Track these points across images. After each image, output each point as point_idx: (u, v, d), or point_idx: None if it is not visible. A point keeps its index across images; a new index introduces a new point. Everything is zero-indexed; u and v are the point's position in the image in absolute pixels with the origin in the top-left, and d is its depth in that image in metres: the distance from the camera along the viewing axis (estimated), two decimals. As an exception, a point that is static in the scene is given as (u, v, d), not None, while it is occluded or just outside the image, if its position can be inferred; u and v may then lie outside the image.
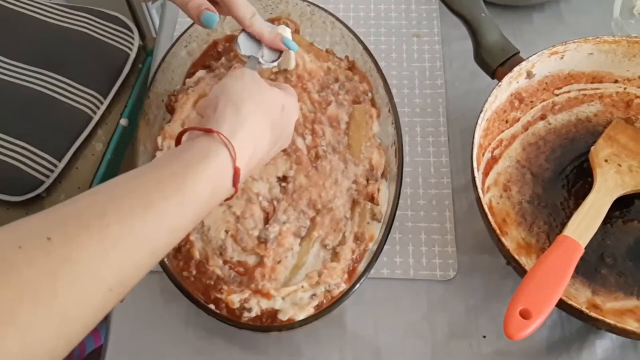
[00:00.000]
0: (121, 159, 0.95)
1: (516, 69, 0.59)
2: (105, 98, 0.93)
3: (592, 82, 0.64)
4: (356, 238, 0.57)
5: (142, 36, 1.03)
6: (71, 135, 0.88)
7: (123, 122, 0.95)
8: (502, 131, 0.62)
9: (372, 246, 0.57)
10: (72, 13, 0.99)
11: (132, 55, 0.98)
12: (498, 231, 0.51)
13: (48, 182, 0.85)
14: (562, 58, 0.61)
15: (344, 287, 0.54)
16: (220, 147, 0.44)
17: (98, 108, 0.92)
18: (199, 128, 0.45)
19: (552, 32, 0.74)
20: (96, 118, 0.91)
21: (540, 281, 0.48)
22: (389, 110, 0.61)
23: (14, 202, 0.84)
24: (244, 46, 0.56)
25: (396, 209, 0.56)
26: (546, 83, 0.63)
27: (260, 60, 0.56)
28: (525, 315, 0.46)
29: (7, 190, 0.84)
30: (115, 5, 1.07)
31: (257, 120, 0.47)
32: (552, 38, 0.65)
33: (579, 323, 0.53)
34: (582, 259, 0.52)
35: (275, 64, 0.57)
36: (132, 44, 0.99)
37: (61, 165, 0.86)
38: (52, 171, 0.85)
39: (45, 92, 0.90)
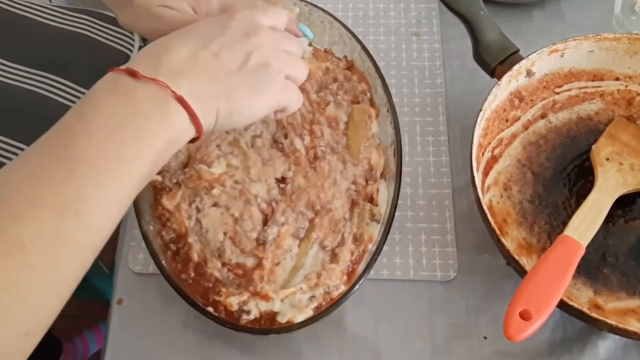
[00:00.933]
0: (122, 160, 0.94)
1: (516, 67, 0.59)
2: (105, 100, 0.93)
3: (593, 80, 0.63)
4: (355, 239, 0.57)
5: (143, 38, 1.03)
6: (72, 138, 0.88)
7: (123, 123, 0.95)
8: (502, 130, 0.62)
9: (371, 247, 0.56)
10: (72, 15, 0.99)
11: (133, 56, 0.98)
12: (498, 231, 0.51)
13: (49, 184, 0.85)
14: (562, 56, 0.61)
15: (343, 288, 0.54)
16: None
17: (98, 110, 0.91)
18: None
19: (552, 30, 0.73)
20: (97, 120, 0.91)
21: (540, 282, 0.47)
22: (388, 110, 0.61)
23: (15, 205, 0.84)
24: None
25: (395, 209, 0.56)
26: (546, 81, 0.62)
27: None
28: (525, 316, 0.45)
29: (8, 193, 0.84)
30: (115, 7, 1.07)
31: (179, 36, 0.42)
32: (552, 36, 0.64)
33: (581, 323, 0.52)
34: (583, 258, 0.51)
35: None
36: (132, 45, 0.99)
37: (62, 167, 0.86)
38: (52, 174, 0.85)
39: (46, 94, 0.90)
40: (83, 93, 0.91)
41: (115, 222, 0.37)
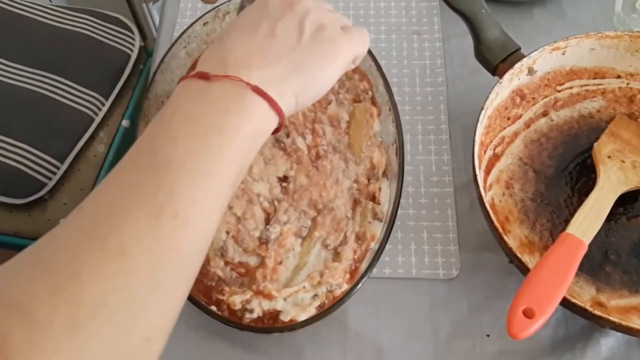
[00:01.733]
0: (123, 160, 0.95)
1: (517, 65, 0.59)
2: (106, 100, 0.93)
3: (594, 78, 0.63)
4: (358, 238, 0.57)
5: (143, 37, 1.04)
6: (73, 137, 0.88)
7: (125, 123, 0.95)
8: (504, 128, 0.62)
9: (373, 246, 0.56)
10: (73, 15, 1.00)
11: (133, 56, 0.98)
12: (500, 230, 0.51)
13: (50, 184, 0.85)
14: (563, 54, 0.61)
15: (345, 287, 0.54)
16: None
17: (100, 110, 0.92)
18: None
19: (553, 28, 0.73)
20: (98, 120, 0.91)
21: (543, 280, 0.47)
22: (390, 109, 0.61)
23: (16, 204, 0.84)
24: None
25: (398, 208, 0.56)
26: (548, 79, 0.62)
27: None
28: (528, 314, 0.45)
29: (9, 193, 0.84)
30: (115, 7, 1.07)
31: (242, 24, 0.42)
32: (553, 33, 0.64)
33: (584, 321, 0.52)
34: (585, 256, 0.51)
35: None
36: (133, 45, 0.99)
37: (63, 167, 0.86)
38: (54, 173, 0.85)
39: (47, 94, 0.90)
40: (84, 93, 0.91)
41: (214, 222, 0.37)
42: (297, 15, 0.43)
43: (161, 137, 0.36)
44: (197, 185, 0.35)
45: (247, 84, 0.38)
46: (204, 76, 0.39)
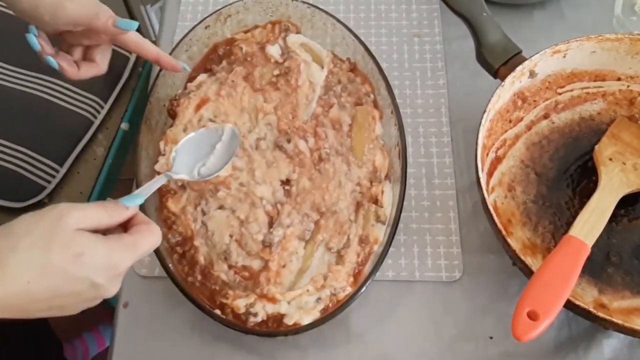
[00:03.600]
0: (122, 163, 0.94)
1: (519, 68, 0.59)
2: (105, 102, 0.92)
3: (594, 80, 0.64)
4: (361, 241, 0.57)
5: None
6: (72, 140, 0.88)
7: (124, 126, 0.95)
8: (506, 131, 0.62)
9: (377, 249, 0.57)
10: (70, 17, 0.99)
11: (132, 59, 0.97)
12: (504, 232, 0.51)
13: (50, 187, 0.84)
14: (564, 57, 0.61)
15: (349, 290, 0.54)
16: None
17: (99, 112, 0.91)
18: None
19: (553, 30, 0.73)
20: (97, 122, 0.91)
21: (547, 282, 0.48)
22: (392, 112, 0.61)
23: (16, 208, 0.84)
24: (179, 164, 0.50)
25: (401, 211, 0.56)
26: (549, 82, 0.63)
27: (195, 173, 0.51)
28: (533, 316, 0.45)
29: (8, 196, 0.84)
30: (113, 9, 1.07)
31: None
32: (553, 36, 0.65)
33: (587, 323, 0.53)
34: (588, 258, 0.52)
35: (213, 176, 0.52)
36: (131, 47, 0.98)
37: (63, 170, 0.86)
38: (53, 177, 0.85)
39: (46, 97, 0.90)
40: (82, 95, 0.90)
41: None
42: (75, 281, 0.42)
43: None
44: None
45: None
46: None
